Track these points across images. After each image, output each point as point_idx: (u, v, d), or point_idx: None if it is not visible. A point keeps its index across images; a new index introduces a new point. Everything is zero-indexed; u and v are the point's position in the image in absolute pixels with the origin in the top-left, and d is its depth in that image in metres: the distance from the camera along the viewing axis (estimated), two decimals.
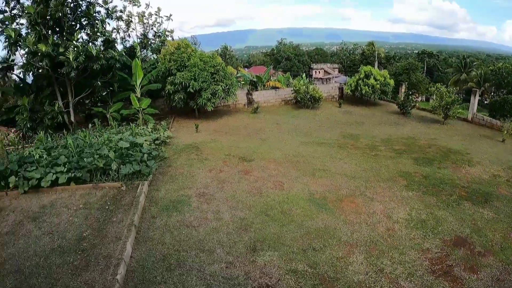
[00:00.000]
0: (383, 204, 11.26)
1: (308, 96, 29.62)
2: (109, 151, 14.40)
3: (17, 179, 13.23)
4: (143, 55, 28.24)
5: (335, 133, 21.57)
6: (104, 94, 25.19)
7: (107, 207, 11.83)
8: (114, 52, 21.24)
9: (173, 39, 28.57)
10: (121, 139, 16.44)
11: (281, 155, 16.61)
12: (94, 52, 19.68)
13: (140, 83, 23.33)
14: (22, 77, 24.51)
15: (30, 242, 10.23)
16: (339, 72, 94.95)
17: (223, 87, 23.49)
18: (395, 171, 14.19)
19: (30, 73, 23.49)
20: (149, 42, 30.56)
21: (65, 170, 13.45)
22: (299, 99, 30.33)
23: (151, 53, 30.86)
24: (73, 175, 13.39)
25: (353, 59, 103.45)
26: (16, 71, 23.15)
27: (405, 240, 9.31)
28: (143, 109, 22.06)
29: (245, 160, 15.88)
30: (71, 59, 18.94)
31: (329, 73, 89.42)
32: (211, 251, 8.58)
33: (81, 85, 23.38)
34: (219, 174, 14.27)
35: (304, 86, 30.16)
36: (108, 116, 21.28)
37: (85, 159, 13.91)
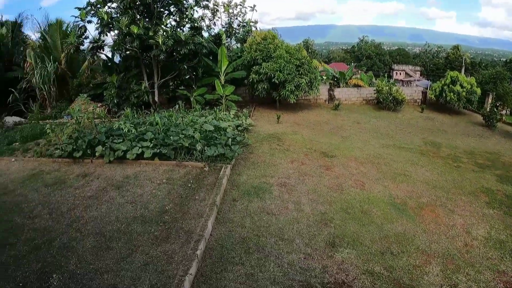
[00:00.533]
0: (463, 218, 10.83)
1: (391, 98, 28.38)
2: (194, 132, 14.87)
3: (104, 149, 14.14)
4: (226, 44, 28.15)
5: (417, 138, 21.03)
6: (188, 78, 25.70)
7: (189, 185, 12.11)
8: (201, 38, 21.93)
9: (256, 30, 27.82)
10: (205, 122, 16.51)
11: (362, 155, 16.22)
12: (182, 37, 20.64)
13: (225, 70, 24.01)
14: (110, 57, 26.33)
15: (112, 208, 10.77)
16: (420, 75, 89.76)
17: (307, 80, 23.49)
18: (477, 186, 13.52)
19: (118, 54, 25.13)
20: (234, 32, 30.57)
21: (151, 146, 14.02)
22: (381, 99, 29.15)
23: (235, 42, 30.72)
24: (158, 151, 13.90)
25: (437, 62, 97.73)
26: (105, 51, 24.52)
27: (482, 259, 8.91)
28: (227, 96, 22.56)
29: (326, 155, 15.59)
30: (160, 42, 20.03)
31: (410, 76, 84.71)
32: (290, 241, 8.49)
33: (167, 68, 24.62)
34: (300, 166, 14.07)
35: (387, 87, 28.93)
36: (192, 99, 21.90)
37: (171, 137, 14.41)
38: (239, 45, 30.76)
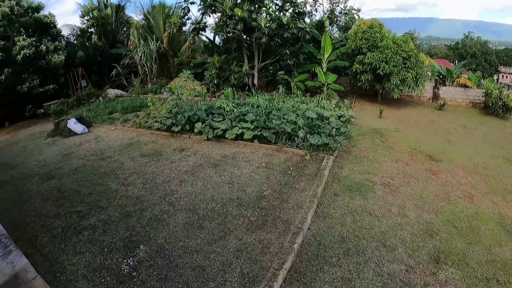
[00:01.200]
0: None
1: (500, 103, 25.46)
2: (296, 118, 13.90)
3: (203, 126, 13.85)
4: (329, 31, 27.04)
5: None
6: (288, 63, 24.42)
7: (289, 172, 11.24)
8: (304, 24, 21.26)
9: (359, 18, 26.76)
10: (307, 109, 15.47)
11: (470, 164, 14.20)
12: (285, 20, 20.09)
13: (327, 58, 23.04)
14: (211, 38, 26.44)
15: (208, 186, 10.27)
16: None
17: (413, 75, 21.58)
18: None
19: (219, 36, 25.03)
20: (335, 19, 29.15)
21: (251, 127, 13.43)
22: (489, 104, 26.22)
23: (336, 30, 29.42)
24: (259, 133, 13.27)
25: None
26: (206, 33, 24.95)
27: None
28: (328, 84, 20.83)
29: (432, 159, 13.96)
30: (263, 25, 20.12)
31: None
32: (392, 248, 7.67)
33: (267, 52, 24.32)
34: (405, 167, 12.70)
35: (497, 90, 25.97)
36: (292, 84, 20.71)
37: (273, 120, 13.63)
38: (339, 33, 29.47)
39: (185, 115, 14.08)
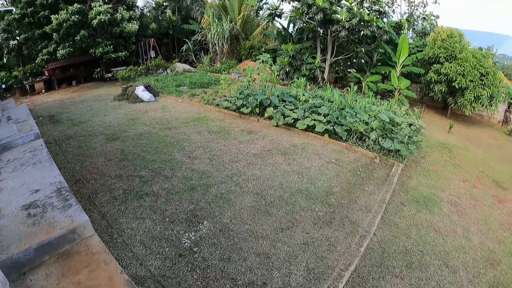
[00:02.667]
0: None
1: None
2: (369, 119, 13.32)
3: (275, 111, 13.39)
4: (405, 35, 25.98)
5: None
6: (361, 62, 23.45)
7: (358, 173, 10.73)
8: (384, 23, 20.36)
9: (439, 26, 25.28)
10: (379, 111, 14.53)
11: None
12: (366, 17, 19.39)
13: (403, 62, 21.80)
14: (285, 26, 25.96)
15: (277, 173, 9.84)
16: None
17: (488, 93, 20.38)
18: None
19: (293, 24, 24.81)
20: (413, 23, 27.89)
21: (324, 121, 12.87)
22: None
23: (412, 34, 28.20)
24: (331, 128, 12.71)
25: None
26: (281, 20, 24.02)
27: None
28: (400, 89, 19.93)
29: (499, 186, 13.01)
30: (343, 19, 19.52)
31: None
32: (454, 270, 7.33)
33: (341, 47, 23.49)
34: (472, 189, 11.92)
35: None
36: (363, 84, 19.72)
37: (346, 117, 13.09)
38: (416, 38, 28.14)
39: (257, 98, 13.73)
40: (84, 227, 5.12)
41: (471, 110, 21.07)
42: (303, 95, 13.57)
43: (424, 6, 28.74)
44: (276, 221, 7.58)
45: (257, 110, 13.80)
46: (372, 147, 12.30)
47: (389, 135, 12.88)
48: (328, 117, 13.01)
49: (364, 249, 7.03)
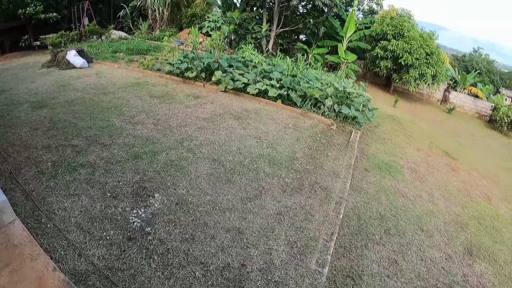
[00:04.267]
0: None
1: (508, 120, 24.46)
2: (322, 86, 12.37)
3: (224, 75, 12.00)
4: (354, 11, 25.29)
5: None
6: (308, 34, 22.51)
7: (318, 138, 9.90)
8: None
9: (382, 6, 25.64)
10: (332, 81, 13.67)
11: (482, 168, 13.84)
12: None
13: (349, 36, 20.80)
14: None
15: (233, 137, 8.63)
16: None
17: (433, 72, 20.51)
18: None
19: None
20: (361, 1, 27.35)
21: (277, 86, 11.65)
22: (496, 118, 25.17)
23: (361, 14, 27.68)
24: (285, 93, 11.56)
25: None
26: None
27: None
28: (347, 62, 18.77)
29: (449, 156, 13.46)
30: None
31: None
32: (429, 234, 7.33)
33: (288, 19, 22.15)
34: (427, 157, 12.12)
35: (506, 107, 25.07)
36: (310, 55, 18.62)
37: (301, 83, 12.02)
38: (362, 16, 27.65)
39: (203, 61, 12.23)
40: (1, 211, 3.64)
41: (415, 86, 21.23)
42: (256, 56, 12.30)
43: None
44: (241, 190, 6.42)
45: (204, 74, 12.36)
46: (327, 114, 11.52)
47: (345, 102, 12.04)
48: (281, 82, 11.89)
49: (342, 217, 6.48)
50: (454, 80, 29.31)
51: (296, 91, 11.68)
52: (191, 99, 10.75)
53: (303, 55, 18.44)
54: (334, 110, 11.64)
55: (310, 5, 18.88)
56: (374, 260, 5.79)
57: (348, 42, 21.65)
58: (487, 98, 28.65)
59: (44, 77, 13.28)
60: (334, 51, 22.25)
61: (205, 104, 10.41)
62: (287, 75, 12.87)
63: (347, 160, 8.89)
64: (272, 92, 11.26)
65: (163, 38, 21.48)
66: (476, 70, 43.92)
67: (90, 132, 7.97)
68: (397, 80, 21.86)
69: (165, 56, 15.74)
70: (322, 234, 5.72)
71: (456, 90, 28.03)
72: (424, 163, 11.28)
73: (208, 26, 14.18)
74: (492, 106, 26.28)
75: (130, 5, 25.39)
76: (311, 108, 11.62)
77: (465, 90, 28.67)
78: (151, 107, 9.68)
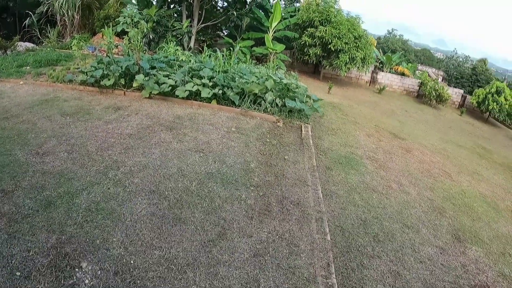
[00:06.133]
0: None
1: (435, 94, 24.67)
2: (258, 80, 10.68)
3: (147, 79, 9.95)
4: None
5: (467, 140, 18.20)
6: (231, 28, 20.90)
7: (268, 140, 8.42)
8: None
9: None
10: (267, 73, 12.13)
11: (429, 145, 13.62)
12: None
13: (275, 26, 19.31)
14: None
15: (169, 155, 6.81)
16: (442, 80, 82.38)
17: (362, 55, 20.02)
18: None
19: None
20: None
21: (210, 84, 9.89)
22: (425, 93, 25.33)
23: (282, 2, 26.37)
24: (220, 92, 9.82)
25: (462, 71, 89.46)
26: None
27: None
28: (276, 53, 17.41)
29: (397, 137, 12.92)
30: None
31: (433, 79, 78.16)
32: (416, 229, 6.54)
33: (208, 13, 20.48)
34: (379, 142, 11.32)
35: (433, 82, 25.38)
36: (236, 49, 16.85)
37: (236, 79, 10.39)
38: (285, 4, 26.47)
39: (122, 66, 10.17)
40: None
41: (345, 71, 20.65)
42: (182, 53, 10.48)
43: None
44: (197, 230, 4.71)
45: (123, 81, 10.23)
46: (270, 110, 10.10)
47: (287, 95, 10.56)
48: (213, 80, 10.17)
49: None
50: (380, 61, 29.20)
51: (232, 88, 10.03)
52: (111, 112, 8.68)
53: (228, 49, 16.84)
54: (277, 104, 10.21)
55: None
56: (376, 279, 4.82)
57: (274, 33, 20.27)
58: (412, 75, 28.84)
59: None
60: (259, 42, 20.91)
61: (129, 116, 8.41)
62: (219, 71, 11.16)
63: (308, 161, 7.59)
64: (205, 93, 9.50)
65: (75, 45, 18.95)
66: (393, 51, 44.65)
67: None
68: (327, 67, 21.17)
69: (77, 65, 13.53)
70: (318, 269, 4.40)
71: (383, 71, 27.92)
72: (379, 150, 10.44)
73: (124, 22, 11.96)
74: (419, 82, 26.58)
75: (36, 11, 22.40)
76: (251, 105, 10.06)
77: (392, 69, 28.68)
78: (63, 129, 7.57)
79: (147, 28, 15.59)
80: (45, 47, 18.67)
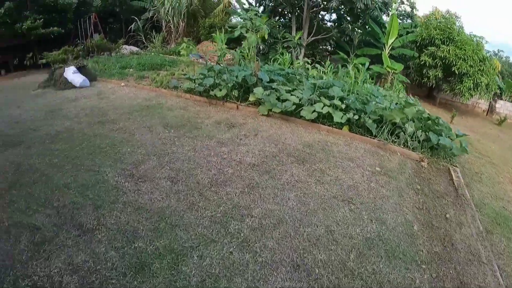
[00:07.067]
0: None
1: None
2: (397, 106, 8.64)
3: (267, 93, 8.14)
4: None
5: None
6: (345, 43, 19.01)
7: (418, 187, 6.16)
8: None
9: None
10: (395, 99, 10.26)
11: None
12: None
13: (392, 43, 17.04)
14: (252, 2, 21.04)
15: (310, 204, 4.80)
16: None
17: (487, 81, 17.54)
18: None
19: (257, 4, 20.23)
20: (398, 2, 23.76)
21: (343, 107, 7.85)
22: None
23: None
24: (355, 117, 7.72)
25: None
26: None
27: None
28: (394, 73, 15.28)
29: None
30: None
31: None
32: None
33: (318, 25, 18.69)
34: None
35: None
36: (351, 67, 14.79)
37: (372, 102, 8.34)
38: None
39: (237, 75, 8.58)
40: None
41: (468, 98, 18.36)
42: (311, 67, 8.68)
43: None
44: None
45: (235, 92, 8.69)
46: (410, 145, 7.79)
47: (431, 128, 8.27)
48: (347, 102, 8.14)
49: None
50: (500, 88, 25.97)
51: (367, 114, 8.00)
52: (223, 129, 7.06)
53: (343, 66, 14.88)
54: (417, 138, 7.94)
55: (345, 9, 15.30)
56: None
57: (390, 50, 18.02)
58: None
59: (34, 100, 10.10)
60: (374, 60, 18.71)
61: (247, 138, 6.66)
62: (350, 91, 9.17)
63: (472, 222, 5.39)
64: (338, 117, 7.52)
65: (180, 51, 18.09)
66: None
67: (66, 198, 4.45)
68: (447, 91, 18.77)
69: (182, 71, 12.32)
70: None
71: (501, 99, 24.62)
72: None
73: (242, 26, 10.25)
74: None
75: (142, 17, 22.20)
76: (388, 136, 7.86)
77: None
78: (166, 146, 6.05)
79: (256, 39, 14.24)
80: (149, 51, 18.21)
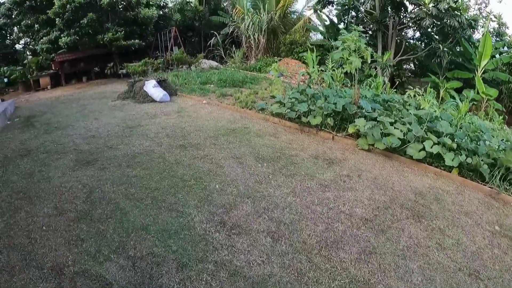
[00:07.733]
0: None
1: None
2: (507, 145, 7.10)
3: (371, 127, 7.14)
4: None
5: None
6: (435, 64, 17.72)
7: None
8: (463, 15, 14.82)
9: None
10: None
11: None
12: (453, 4, 13.95)
13: (485, 65, 15.68)
14: (332, 19, 20.82)
15: (438, 282, 3.76)
16: None
17: None
18: None
19: (343, 18, 20.45)
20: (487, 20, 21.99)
21: (453, 147, 6.66)
22: None
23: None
24: (466, 160, 6.47)
25: None
26: (331, 7, 20.11)
27: None
28: (489, 100, 13.61)
29: None
30: (426, 1, 13.66)
31: None
32: None
33: (399, 46, 17.67)
34: None
35: None
36: (441, 91, 13.51)
37: (484, 142, 7.11)
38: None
39: (335, 101, 7.77)
40: None
41: None
42: (426, 99, 7.69)
43: (486, 6, 22.87)
44: None
45: (330, 121, 7.84)
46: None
47: None
48: (458, 140, 7.01)
49: None
50: None
51: (478, 155, 6.80)
52: (322, 166, 6.26)
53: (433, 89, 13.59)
54: None
55: (448, 24, 14.01)
56: None
57: (482, 73, 16.43)
58: None
59: (113, 113, 10.04)
60: (464, 84, 17.16)
61: (351, 180, 5.75)
62: (458, 126, 7.93)
63: None
64: (449, 158, 6.43)
65: (261, 68, 17.48)
66: None
67: (143, 245, 3.90)
68: None
69: (265, 89, 11.73)
70: None
71: None
72: None
73: (344, 48, 9.23)
74: None
75: (221, 32, 22.13)
76: (500, 183, 6.42)
77: None
78: (261, 186, 5.37)
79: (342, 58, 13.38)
80: (229, 66, 17.93)
